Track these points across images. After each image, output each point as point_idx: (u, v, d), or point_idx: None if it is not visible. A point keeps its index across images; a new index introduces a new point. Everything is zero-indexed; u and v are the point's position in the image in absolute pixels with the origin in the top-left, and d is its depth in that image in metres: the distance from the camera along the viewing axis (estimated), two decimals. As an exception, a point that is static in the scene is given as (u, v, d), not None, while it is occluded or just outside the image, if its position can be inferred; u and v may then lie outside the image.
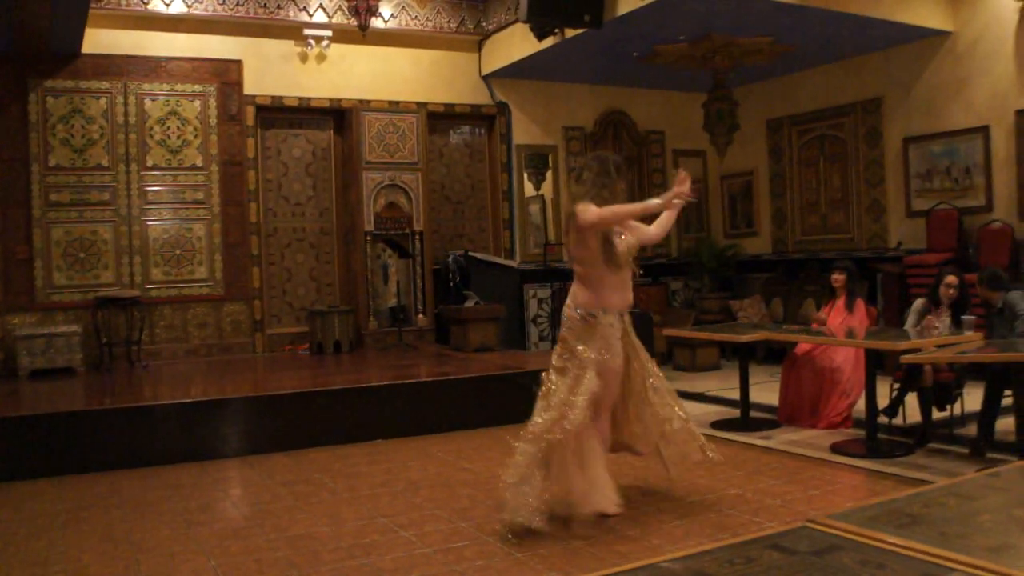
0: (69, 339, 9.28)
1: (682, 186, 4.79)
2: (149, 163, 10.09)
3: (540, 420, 4.73)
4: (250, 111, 10.56)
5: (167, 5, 9.97)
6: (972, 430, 6.60)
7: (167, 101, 10.19)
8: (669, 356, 10.96)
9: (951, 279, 6.75)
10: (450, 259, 11.06)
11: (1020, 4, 9.11)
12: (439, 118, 11.68)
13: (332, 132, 11.34)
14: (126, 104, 9.99)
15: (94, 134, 9.86)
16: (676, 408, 5.16)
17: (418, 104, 11.36)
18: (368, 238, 10.97)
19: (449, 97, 11.57)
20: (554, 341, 11.44)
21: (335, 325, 10.50)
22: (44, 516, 5.43)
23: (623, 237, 4.89)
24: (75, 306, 9.67)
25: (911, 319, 6.99)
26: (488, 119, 11.98)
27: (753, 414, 7.76)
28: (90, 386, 8.58)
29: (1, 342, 9.37)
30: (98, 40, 9.77)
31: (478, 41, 11.66)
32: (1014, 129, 9.27)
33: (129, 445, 6.72)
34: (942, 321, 6.65)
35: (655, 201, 4.95)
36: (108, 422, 6.75)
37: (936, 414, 6.69)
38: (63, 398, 7.89)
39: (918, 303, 7.04)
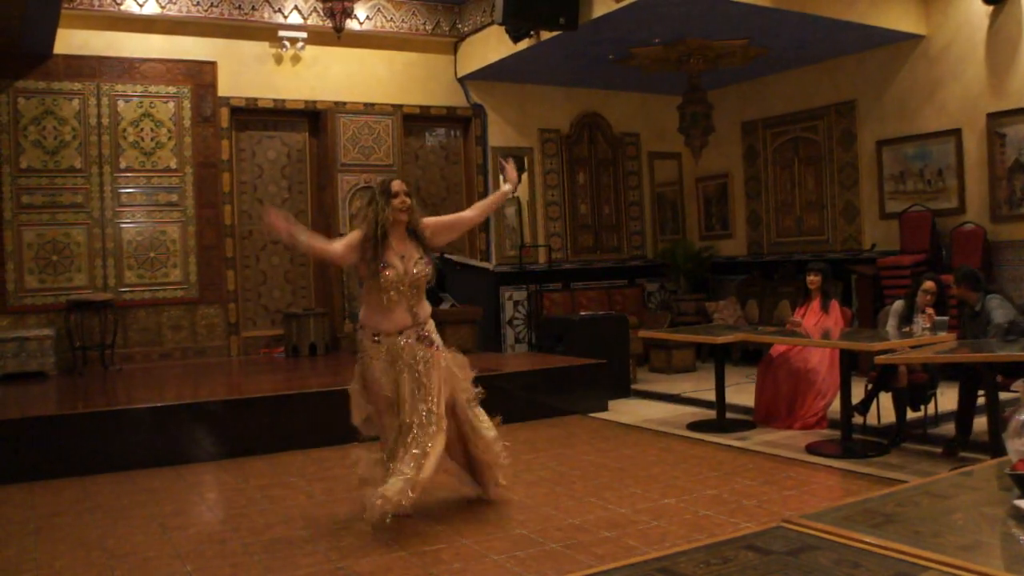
0: (41, 343, 9.19)
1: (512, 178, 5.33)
2: (122, 165, 10.02)
3: None
4: (224, 113, 10.50)
5: (140, 6, 9.90)
6: (945, 430, 6.68)
7: (141, 103, 10.11)
8: (645, 358, 10.99)
9: (929, 285, 6.81)
10: (426, 261, 11.02)
11: (990, 8, 9.20)
12: (414, 120, 11.66)
13: (307, 134, 11.30)
14: (99, 105, 9.91)
15: (67, 136, 9.78)
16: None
17: (393, 106, 11.34)
18: (344, 240, 10.93)
19: (424, 99, 11.56)
20: (531, 343, 11.52)
21: (311, 328, 10.46)
22: (15, 522, 5.37)
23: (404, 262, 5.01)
24: (47, 309, 9.58)
25: (891, 321, 7.03)
26: (463, 121, 11.97)
27: (729, 415, 7.80)
28: (62, 390, 8.50)
29: (-28, 346, 9.27)
30: (70, 41, 9.69)
31: (453, 43, 11.65)
32: (985, 132, 9.36)
33: (102, 450, 6.65)
34: (918, 323, 6.72)
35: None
36: (81, 426, 6.69)
37: (910, 414, 6.75)
38: (35, 402, 7.81)
39: (897, 305, 7.09)
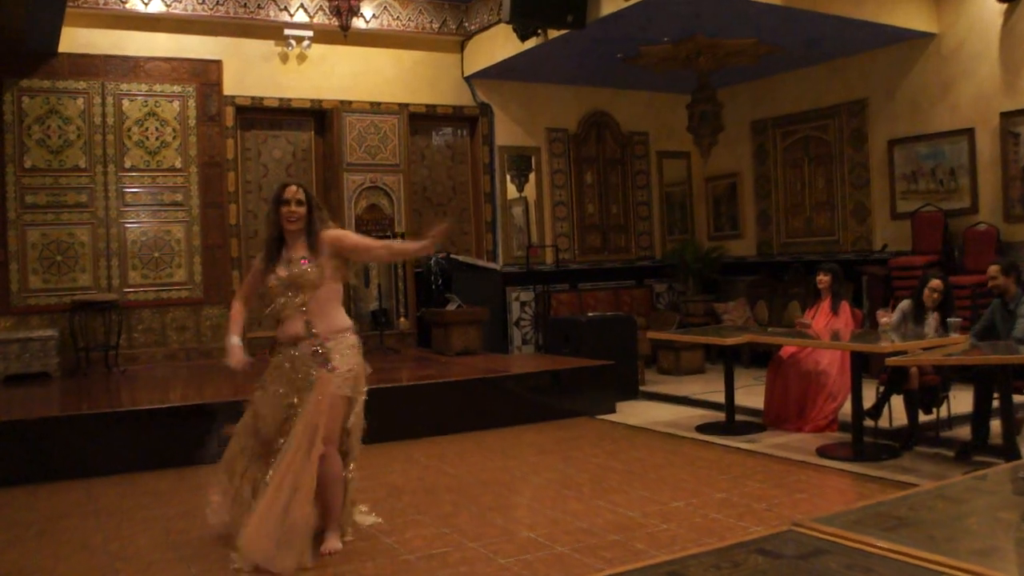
0: (45, 343, 9.20)
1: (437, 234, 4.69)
2: (127, 164, 10.03)
3: None
4: (230, 112, 10.51)
5: (145, 4, 9.92)
6: (959, 433, 6.65)
7: (145, 102, 10.13)
8: (653, 359, 10.97)
9: (935, 283, 6.77)
10: (432, 262, 11.03)
11: (1004, 6, 9.17)
12: (421, 119, 11.67)
13: (313, 133, 11.31)
14: (104, 104, 9.93)
15: (71, 135, 9.79)
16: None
17: (400, 105, 11.35)
18: (349, 241, 10.91)
19: (431, 98, 11.56)
20: (538, 344, 11.52)
21: (316, 329, 10.44)
22: (19, 525, 5.38)
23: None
24: (51, 310, 9.59)
25: (896, 316, 7.01)
26: (470, 120, 11.97)
27: (738, 417, 7.79)
28: (66, 391, 8.51)
29: (-25, 347, 9.29)
30: (75, 39, 9.71)
31: (460, 42, 11.65)
32: (999, 131, 9.33)
33: (106, 451, 6.66)
34: (929, 324, 6.69)
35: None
36: (84, 428, 6.69)
37: (922, 417, 6.73)
38: (38, 404, 7.83)
39: (904, 304, 7.07)
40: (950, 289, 6.85)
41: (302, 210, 4.63)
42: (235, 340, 4.74)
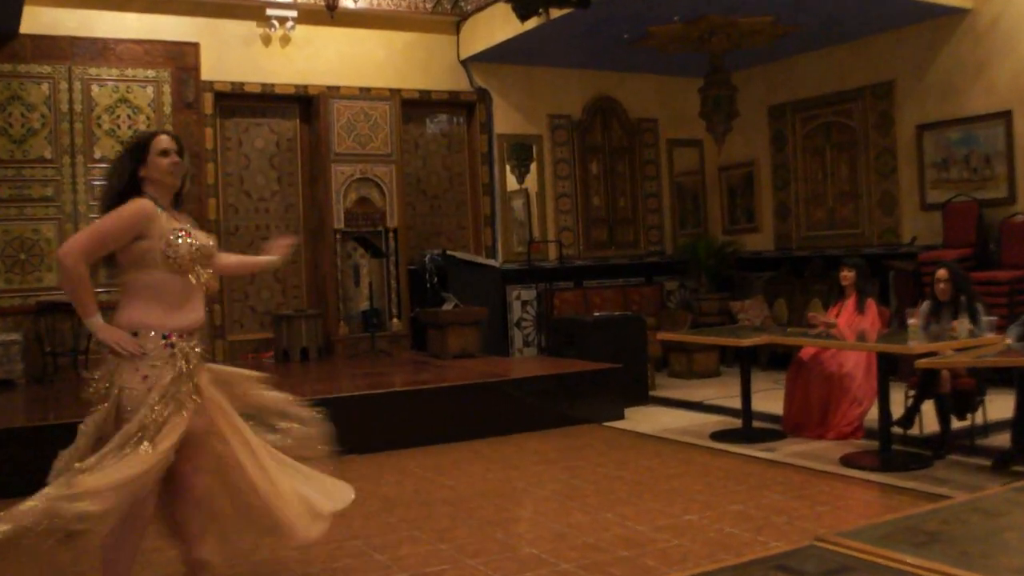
0: (8, 348, 9.15)
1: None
2: (97, 155, 10.01)
3: None
4: (208, 98, 10.50)
5: (116, -18, 9.93)
6: (995, 441, 6.63)
7: (116, 87, 10.11)
8: (664, 362, 10.97)
9: (940, 273, 6.84)
10: (427, 258, 11.04)
11: (1042, -21, 9.17)
12: (414, 106, 11.66)
13: (298, 121, 11.31)
14: (71, 90, 9.91)
15: (35, 123, 9.77)
16: None
17: (391, 90, 11.34)
18: (338, 236, 10.93)
19: (425, 83, 11.56)
20: (540, 346, 11.52)
21: (302, 331, 10.47)
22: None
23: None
24: (15, 312, 9.56)
25: (920, 321, 6.98)
26: (467, 107, 11.97)
27: (756, 424, 7.78)
28: (31, 400, 8.51)
29: (-65, 352, 9.28)
30: (39, 19, 9.67)
31: (456, 22, 11.65)
32: (1037, 114, 9.33)
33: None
34: (962, 322, 6.66)
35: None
36: (52, 439, 6.66)
37: (956, 423, 6.71)
38: (1, 413, 7.82)
39: (924, 305, 7.07)
40: (962, 278, 6.84)
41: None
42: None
